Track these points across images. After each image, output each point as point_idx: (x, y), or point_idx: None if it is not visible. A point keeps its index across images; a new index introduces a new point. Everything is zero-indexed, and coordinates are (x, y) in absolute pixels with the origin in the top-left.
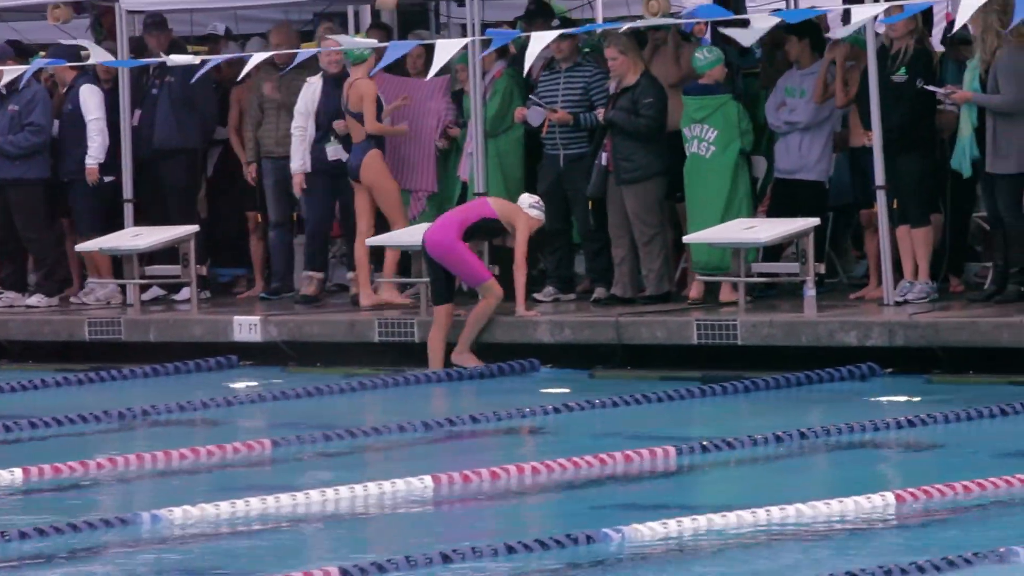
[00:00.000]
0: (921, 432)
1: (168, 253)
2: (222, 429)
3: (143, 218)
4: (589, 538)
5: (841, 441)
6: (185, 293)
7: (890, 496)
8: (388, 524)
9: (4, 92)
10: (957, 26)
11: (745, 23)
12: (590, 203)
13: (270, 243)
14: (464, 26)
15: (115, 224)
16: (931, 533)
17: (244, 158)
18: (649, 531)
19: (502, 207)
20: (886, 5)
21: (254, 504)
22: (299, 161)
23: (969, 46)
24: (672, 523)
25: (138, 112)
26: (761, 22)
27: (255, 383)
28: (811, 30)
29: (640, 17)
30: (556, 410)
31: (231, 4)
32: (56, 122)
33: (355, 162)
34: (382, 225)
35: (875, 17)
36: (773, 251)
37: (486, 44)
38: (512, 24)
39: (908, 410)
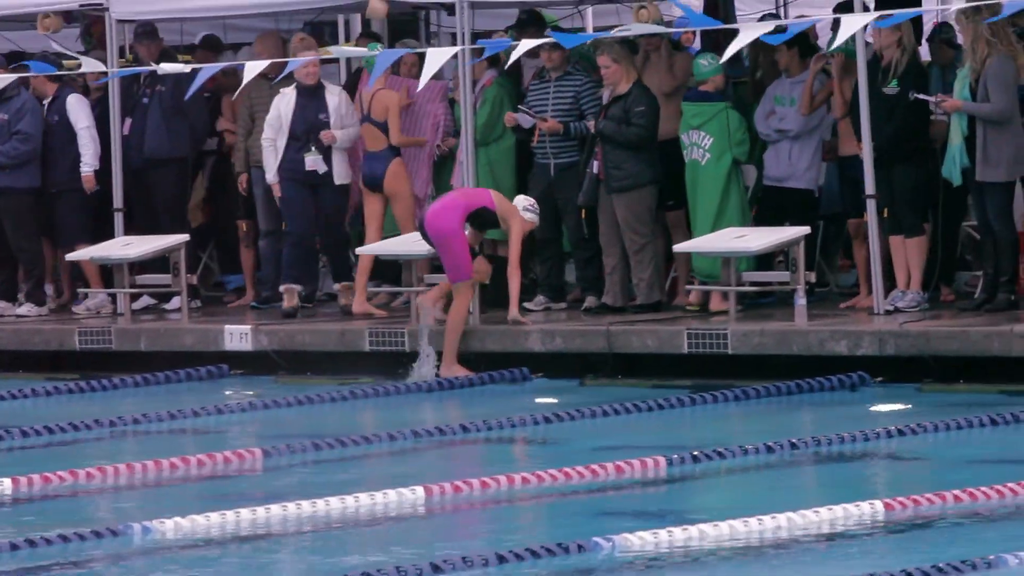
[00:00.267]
0: (911, 441)
1: (159, 262)
2: (213, 438)
3: (133, 227)
4: (580, 547)
5: (832, 450)
6: (176, 302)
7: (879, 504)
8: (379, 534)
9: None
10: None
11: (734, 32)
12: (582, 212)
13: (260, 252)
14: (454, 35)
15: (101, 233)
16: (921, 541)
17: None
18: (640, 540)
19: (502, 203)
20: (876, 14)
21: (244, 515)
22: (273, 172)
23: (953, 48)
24: (663, 532)
25: (128, 121)
26: (751, 31)
27: (247, 392)
28: (800, 38)
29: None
30: (547, 419)
31: (221, 13)
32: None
33: (378, 171)
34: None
35: (864, 27)
36: (766, 260)
37: (477, 53)
38: (504, 33)
39: (898, 419)
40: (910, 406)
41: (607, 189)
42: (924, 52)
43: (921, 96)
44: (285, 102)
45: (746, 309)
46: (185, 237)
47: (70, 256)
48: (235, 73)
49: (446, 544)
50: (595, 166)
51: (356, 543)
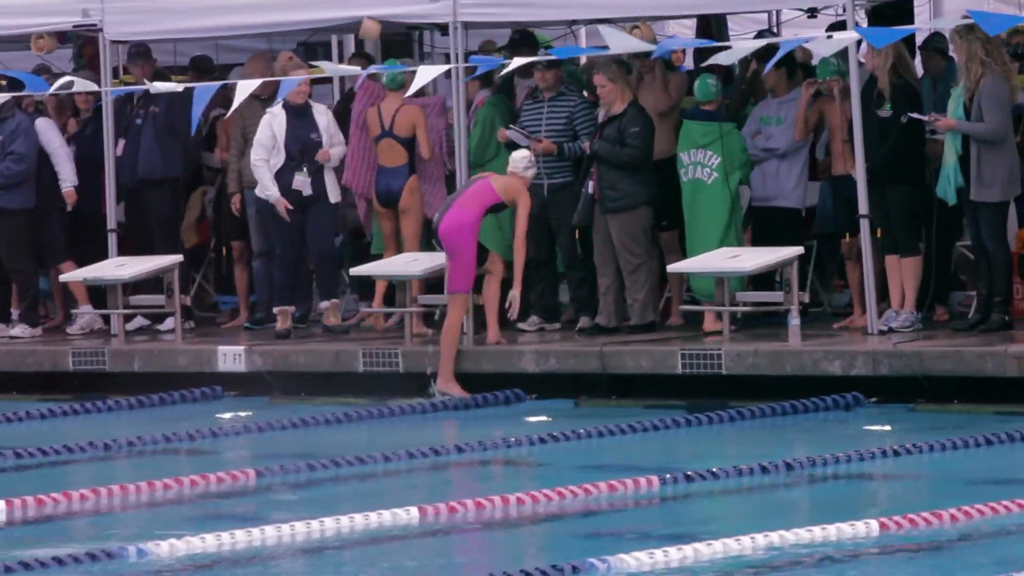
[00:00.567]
0: (906, 462)
1: (152, 283)
2: (207, 459)
3: (127, 247)
4: (575, 568)
5: (826, 471)
6: (169, 323)
7: (874, 523)
8: (374, 555)
9: None
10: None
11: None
12: (576, 232)
13: (254, 273)
14: (447, 55)
15: (95, 254)
16: (915, 560)
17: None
18: (635, 561)
19: (504, 187)
20: (867, 30)
21: (239, 536)
22: (273, 188)
23: (945, 58)
24: (658, 552)
25: (122, 142)
26: (742, 50)
27: (240, 413)
28: (787, 58)
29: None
30: (541, 440)
31: (215, 34)
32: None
33: (395, 186)
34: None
35: (858, 44)
36: (763, 280)
37: (470, 71)
38: (498, 53)
39: (893, 439)
40: (904, 427)
41: (602, 209)
42: (917, 63)
43: (915, 115)
44: (277, 122)
45: (747, 328)
46: (179, 258)
47: (64, 277)
48: (225, 92)
49: (441, 565)
50: (590, 186)
51: (351, 564)
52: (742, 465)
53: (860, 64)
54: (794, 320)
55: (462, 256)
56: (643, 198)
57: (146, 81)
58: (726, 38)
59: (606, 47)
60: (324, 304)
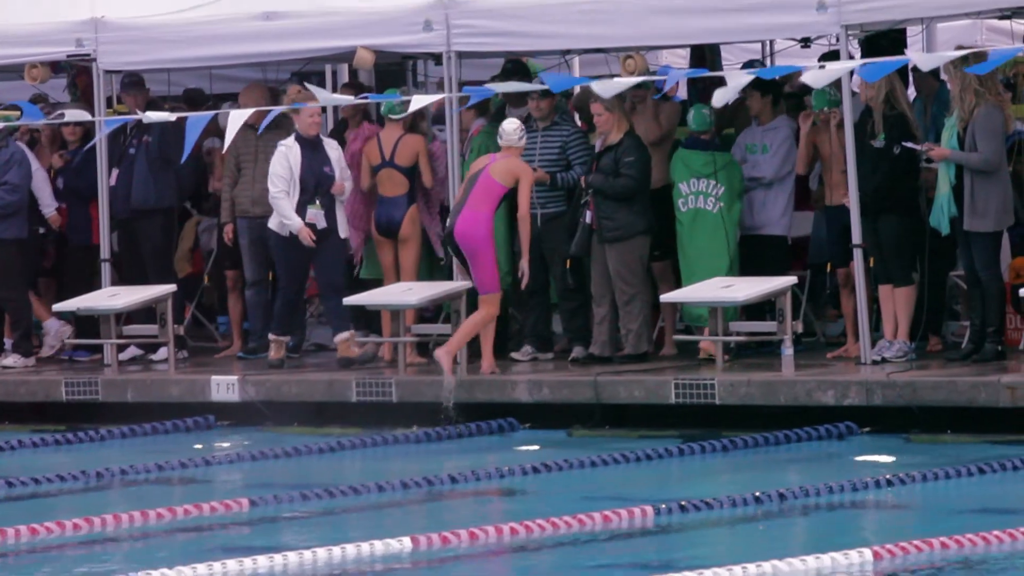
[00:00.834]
0: (899, 492)
1: (145, 313)
2: (199, 488)
3: (120, 277)
4: None
5: (820, 501)
6: (163, 353)
7: (868, 552)
8: None
9: None
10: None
11: (722, 80)
12: (567, 262)
13: (247, 302)
14: (441, 85)
15: (76, 280)
16: None
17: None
18: None
19: (504, 172)
20: (860, 61)
21: (231, 566)
22: (295, 219)
23: (937, 79)
24: None
25: (115, 172)
26: (736, 78)
27: (233, 442)
28: (774, 86)
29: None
30: (535, 470)
31: (208, 63)
32: None
33: (396, 215)
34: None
35: (851, 74)
36: (756, 309)
37: (463, 100)
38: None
39: (886, 469)
40: (897, 457)
41: (599, 239)
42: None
43: (909, 145)
44: (292, 154)
45: (741, 358)
46: (172, 288)
47: (57, 307)
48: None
49: None
50: (588, 216)
51: None
52: (736, 495)
53: (854, 94)
54: (787, 350)
55: (482, 255)
56: (640, 228)
57: (139, 111)
58: (719, 68)
59: (600, 76)
60: (340, 336)
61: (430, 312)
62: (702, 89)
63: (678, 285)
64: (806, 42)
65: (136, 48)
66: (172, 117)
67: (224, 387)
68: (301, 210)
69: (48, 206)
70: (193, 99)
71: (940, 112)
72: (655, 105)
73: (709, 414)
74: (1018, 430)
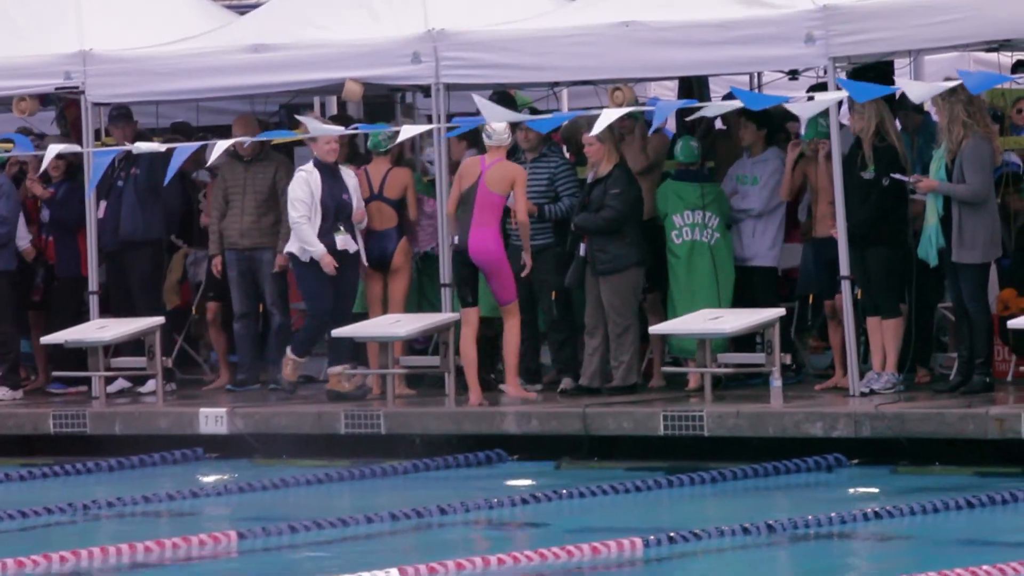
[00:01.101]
0: (887, 524)
1: (133, 345)
2: (188, 521)
3: (108, 310)
4: None
5: (808, 532)
6: (151, 385)
7: None
8: None
9: None
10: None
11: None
12: (553, 294)
13: (235, 334)
14: (430, 117)
15: (63, 313)
16: None
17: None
18: None
19: (500, 181)
20: (847, 86)
21: None
22: (318, 245)
23: (920, 112)
24: None
25: (103, 204)
26: (722, 109)
27: (222, 475)
28: (765, 118)
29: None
30: (524, 501)
31: (197, 96)
32: None
33: (388, 248)
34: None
35: (839, 106)
36: (744, 341)
37: (452, 131)
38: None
39: (874, 501)
40: (885, 488)
41: (592, 271)
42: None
43: (898, 177)
44: (313, 180)
45: (729, 389)
46: (160, 320)
47: (45, 339)
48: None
49: None
50: (582, 248)
51: None
52: (724, 526)
53: (842, 126)
54: (776, 382)
55: (499, 269)
56: (634, 259)
57: (127, 143)
58: (708, 100)
59: (588, 109)
60: (334, 369)
61: (421, 344)
62: (688, 122)
63: (666, 317)
64: (794, 74)
65: (124, 80)
66: (161, 148)
67: (212, 419)
68: (324, 236)
69: (22, 239)
70: (180, 131)
71: (927, 144)
72: (643, 136)
73: (698, 446)
74: (1006, 462)
